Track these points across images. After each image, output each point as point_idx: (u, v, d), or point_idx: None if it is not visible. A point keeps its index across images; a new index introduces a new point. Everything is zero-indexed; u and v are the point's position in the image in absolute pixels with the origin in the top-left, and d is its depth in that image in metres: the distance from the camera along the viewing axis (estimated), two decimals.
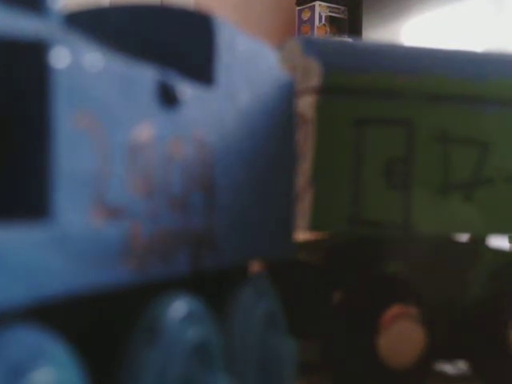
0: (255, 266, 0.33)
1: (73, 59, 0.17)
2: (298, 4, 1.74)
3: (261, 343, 0.28)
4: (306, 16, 1.72)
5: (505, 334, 0.40)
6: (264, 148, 0.29)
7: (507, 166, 0.40)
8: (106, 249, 0.18)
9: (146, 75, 0.21)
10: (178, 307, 0.22)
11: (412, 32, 1.50)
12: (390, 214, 0.38)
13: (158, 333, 0.21)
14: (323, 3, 1.71)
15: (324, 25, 1.70)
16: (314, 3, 1.70)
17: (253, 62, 0.28)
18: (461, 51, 0.42)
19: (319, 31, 1.69)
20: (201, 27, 0.25)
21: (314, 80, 0.38)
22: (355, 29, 1.68)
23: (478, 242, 0.43)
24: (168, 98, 0.22)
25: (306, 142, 0.38)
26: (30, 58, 0.17)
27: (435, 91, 0.39)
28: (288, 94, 0.31)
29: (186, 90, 0.23)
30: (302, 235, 0.39)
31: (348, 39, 0.45)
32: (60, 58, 0.17)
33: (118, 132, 0.19)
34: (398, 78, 0.38)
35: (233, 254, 0.26)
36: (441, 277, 0.42)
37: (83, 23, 0.27)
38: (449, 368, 0.45)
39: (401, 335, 0.38)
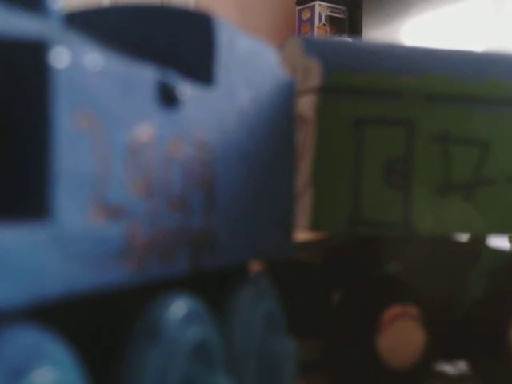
0: (255, 266, 0.33)
1: (73, 59, 0.17)
2: (298, 4, 1.74)
3: (261, 343, 0.28)
4: (305, 16, 1.72)
5: (505, 334, 0.40)
6: (264, 148, 0.29)
7: (507, 166, 0.40)
8: (105, 249, 0.18)
9: (146, 75, 0.21)
10: (178, 307, 0.22)
11: (412, 32, 1.50)
12: (389, 214, 0.38)
13: (158, 333, 0.21)
14: (323, 3, 1.71)
15: (324, 25, 1.70)
16: (313, 3, 1.70)
17: (253, 62, 0.28)
18: (461, 51, 0.42)
19: (319, 31, 1.69)
20: (201, 27, 0.25)
21: (315, 80, 0.38)
22: (355, 29, 1.68)
23: (478, 241, 0.43)
24: (168, 98, 0.22)
25: (305, 141, 0.38)
26: (30, 58, 0.17)
27: (435, 91, 0.39)
28: (288, 94, 0.31)
29: (186, 89, 0.23)
30: (301, 235, 0.39)
31: (348, 39, 0.45)
32: (60, 57, 0.17)
33: (117, 132, 0.19)
34: (398, 78, 0.38)
35: (232, 253, 0.26)
36: (441, 277, 0.42)
37: (83, 23, 0.27)
38: (449, 368, 0.45)
39: (401, 335, 0.38)
